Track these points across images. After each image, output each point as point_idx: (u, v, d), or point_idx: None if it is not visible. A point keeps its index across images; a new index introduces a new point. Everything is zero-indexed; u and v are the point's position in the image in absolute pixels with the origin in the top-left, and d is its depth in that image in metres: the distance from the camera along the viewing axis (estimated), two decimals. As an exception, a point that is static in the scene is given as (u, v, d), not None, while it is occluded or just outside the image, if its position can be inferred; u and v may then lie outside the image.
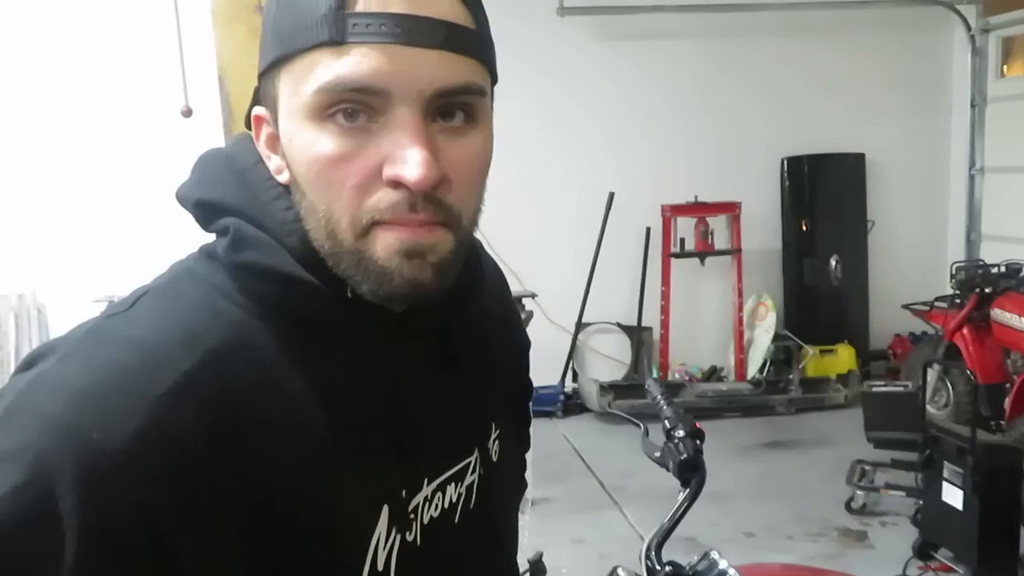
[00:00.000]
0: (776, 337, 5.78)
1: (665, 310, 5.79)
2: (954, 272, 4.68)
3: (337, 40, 0.60)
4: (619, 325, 5.90)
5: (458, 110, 0.64)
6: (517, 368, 0.96)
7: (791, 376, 5.59)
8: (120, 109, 5.11)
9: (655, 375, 5.75)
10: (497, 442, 0.82)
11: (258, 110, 0.69)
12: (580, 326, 5.77)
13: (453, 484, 0.75)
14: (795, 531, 3.85)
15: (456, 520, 0.75)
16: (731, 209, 5.80)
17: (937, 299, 4.86)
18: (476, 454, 0.78)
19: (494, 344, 0.85)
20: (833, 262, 5.92)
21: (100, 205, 5.19)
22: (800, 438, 5.11)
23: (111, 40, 5.09)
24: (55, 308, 5.35)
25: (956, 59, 6.22)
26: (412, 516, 0.70)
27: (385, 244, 0.62)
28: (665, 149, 5.93)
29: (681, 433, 1.50)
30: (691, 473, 1.49)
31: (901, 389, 3.97)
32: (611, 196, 5.75)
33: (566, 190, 5.83)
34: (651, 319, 5.87)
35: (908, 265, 6.20)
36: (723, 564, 1.42)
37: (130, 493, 0.54)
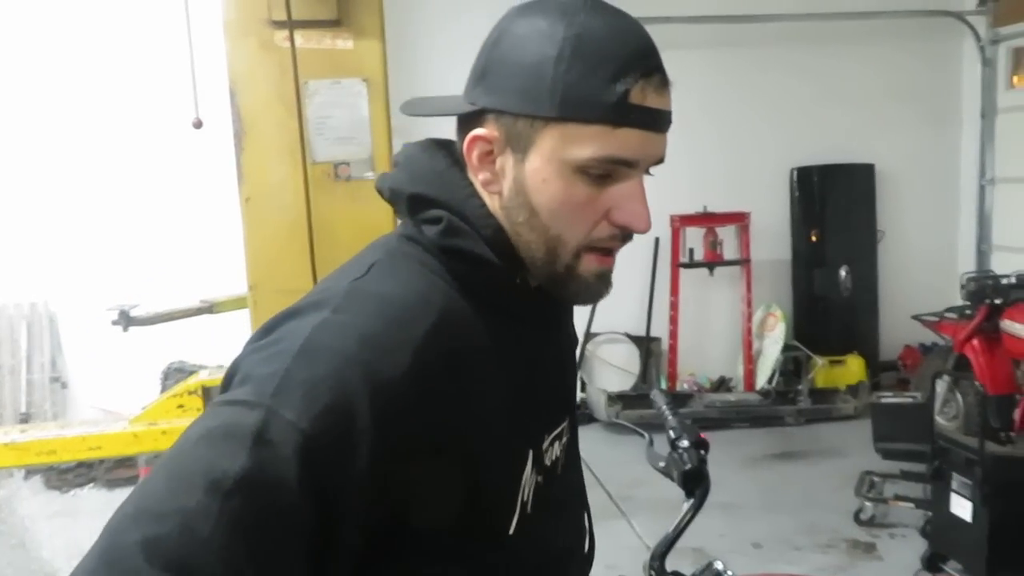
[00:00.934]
0: (785, 347, 5.77)
1: (674, 320, 5.79)
2: (964, 283, 4.66)
3: (617, 124, 0.78)
4: (627, 335, 5.90)
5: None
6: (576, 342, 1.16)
7: (800, 387, 5.58)
8: (131, 120, 5.17)
9: (664, 385, 5.75)
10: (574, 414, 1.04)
11: (480, 132, 0.83)
12: (589, 336, 5.78)
13: (557, 442, 0.94)
14: (803, 542, 3.84)
15: (559, 472, 0.94)
16: (740, 219, 5.80)
17: (947, 310, 4.84)
18: (567, 420, 0.98)
19: (572, 337, 1.08)
20: (843, 272, 5.88)
21: (111, 215, 5.25)
22: (809, 449, 5.10)
23: (123, 52, 5.16)
24: (66, 317, 5.40)
25: (966, 70, 6.22)
26: (542, 461, 0.90)
27: (588, 266, 0.84)
28: (673, 159, 5.74)
29: (685, 443, 1.51)
30: (695, 483, 1.49)
31: (910, 400, 3.95)
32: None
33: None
34: (660, 329, 5.88)
35: (918, 275, 6.18)
36: (728, 574, 1.43)
37: (402, 416, 0.70)
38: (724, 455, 5.04)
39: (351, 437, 0.68)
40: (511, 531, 0.83)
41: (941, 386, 4.73)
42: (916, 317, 5.09)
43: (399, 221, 0.91)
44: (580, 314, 5.80)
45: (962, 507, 3.25)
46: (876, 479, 4.08)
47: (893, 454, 3.89)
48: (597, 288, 0.86)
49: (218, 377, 3.68)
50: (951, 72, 6.28)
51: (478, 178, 0.85)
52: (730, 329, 6.03)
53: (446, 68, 5.77)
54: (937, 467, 3.39)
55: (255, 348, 0.75)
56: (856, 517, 3.97)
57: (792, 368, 5.82)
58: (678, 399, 5.58)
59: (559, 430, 0.95)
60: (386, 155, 2.43)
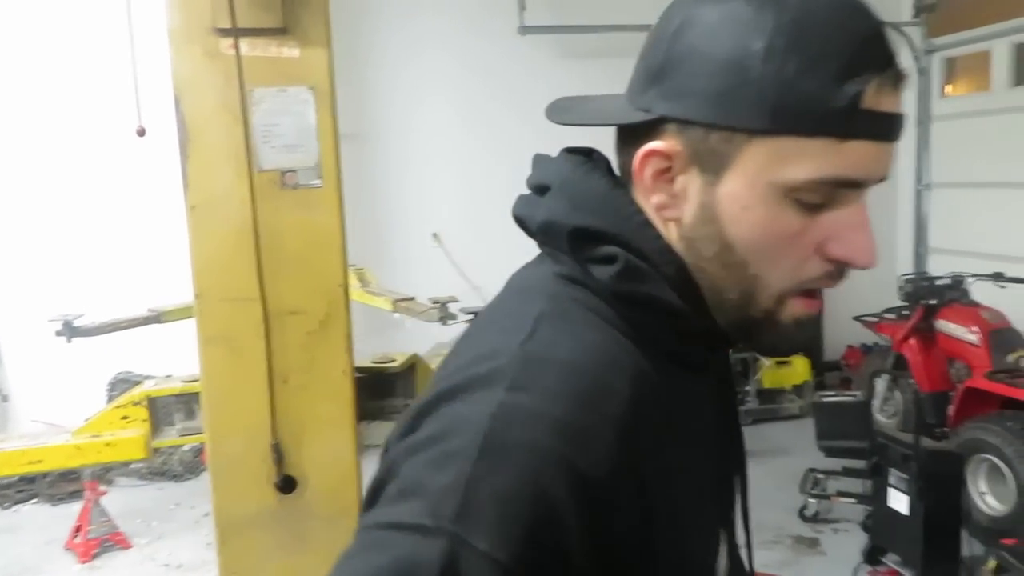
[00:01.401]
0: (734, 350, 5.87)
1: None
2: (902, 285, 4.83)
3: (845, 136, 0.60)
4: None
5: None
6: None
7: (748, 388, 5.70)
8: (74, 128, 5.08)
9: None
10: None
11: (657, 146, 0.66)
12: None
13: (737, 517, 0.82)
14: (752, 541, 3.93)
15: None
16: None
17: (886, 311, 5.01)
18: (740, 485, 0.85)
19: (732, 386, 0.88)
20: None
21: (54, 224, 5.14)
22: (756, 448, 5.20)
23: (65, 61, 5.06)
24: (7, 328, 5.26)
25: (902, 78, 6.43)
26: (732, 537, 0.77)
27: (792, 312, 0.67)
28: None
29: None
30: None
31: (850, 399, 4.08)
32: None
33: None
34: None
35: (860, 278, 6.10)
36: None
37: (613, 521, 0.58)
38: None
39: (557, 563, 0.55)
40: None
41: (880, 384, 4.89)
42: (857, 318, 5.25)
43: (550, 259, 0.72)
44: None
45: (899, 501, 3.37)
46: (820, 476, 4.20)
47: (835, 451, 4.01)
48: (798, 338, 0.69)
49: (166, 387, 3.65)
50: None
51: (651, 201, 0.69)
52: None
53: (393, 75, 5.83)
54: (875, 463, 3.51)
55: (415, 445, 0.59)
56: (801, 513, 4.09)
57: (740, 370, 5.94)
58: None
59: (737, 503, 0.82)
60: (333, 163, 2.44)
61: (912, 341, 4.63)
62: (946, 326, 4.46)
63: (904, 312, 4.80)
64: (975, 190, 5.82)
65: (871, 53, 0.61)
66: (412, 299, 3.96)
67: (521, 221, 0.75)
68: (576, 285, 0.69)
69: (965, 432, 3.87)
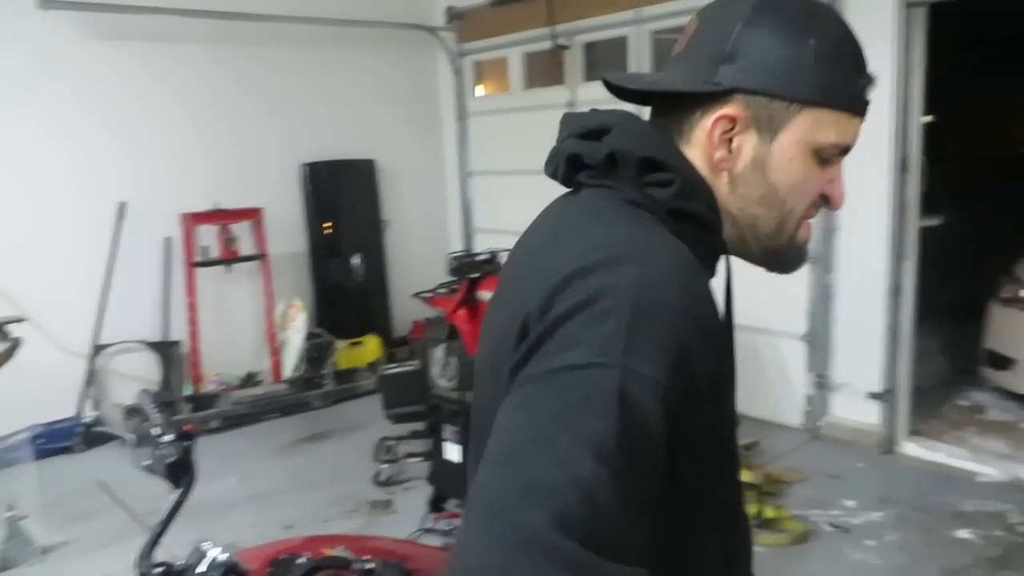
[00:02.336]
0: (309, 336, 6.03)
1: (193, 321, 5.64)
2: (449, 262, 5.42)
3: (855, 114, 0.89)
4: (143, 342, 5.57)
5: None
6: None
7: (325, 371, 5.90)
8: None
9: (188, 389, 5.57)
10: None
11: (728, 111, 0.87)
12: (98, 348, 5.32)
13: None
14: (331, 513, 4.12)
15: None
16: (253, 215, 5.87)
17: (439, 286, 5.57)
18: None
19: None
20: (356, 260, 6.37)
21: None
22: (336, 428, 5.44)
23: None
24: None
25: (442, 78, 7.16)
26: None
27: (804, 234, 0.95)
28: (183, 156, 5.75)
29: (168, 437, 1.56)
30: (181, 474, 1.56)
31: (410, 368, 4.50)
32: (122, 206, 5.41)
33: (72, 200, 5.33)
34: (179, 332, 5.67)
35: (420, 258, 6.95)
36: (214, 552, 1.52)
37: (718, 352, 0.80)
38: (255, 447, 5.12)
39: (695, 380, 0.74)
40: (738, 475, 0.95)
41: (439, 352, 5.46)
42: (416, 295, 5.75)
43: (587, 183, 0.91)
44: (83, 325, 5.26)
45: (453, 451, 3.84)
46: (391, 443, 4.56)
47: (401, 418, 4.38)
48: (806, 253, 0.97)
49: None
50: (431, 79, 7.17)
51: (714, 156, 0.89)
52: (254, 324, 6.10)
53: None
54: (432, 422, 3.93)
55: (563, 314, 0.74)
56: (375, 480, 4.40)
57: (317, 355, 6.11)
58: (204, 400, 5.48)
59: None
60: None
61: (461, 312, 5.24)
62: (485, 295, 5.13)
63: (454, 287, 5.40)
64: (504, 176, 6.75)
65: (865, 61, 0.90)
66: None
67: (577, 158, 0.91)
68: (635, 207, 0.86)
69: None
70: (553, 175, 0.95)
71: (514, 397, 0.72)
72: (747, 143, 0.88)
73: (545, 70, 6.17)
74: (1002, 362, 5.09)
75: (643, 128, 0.92)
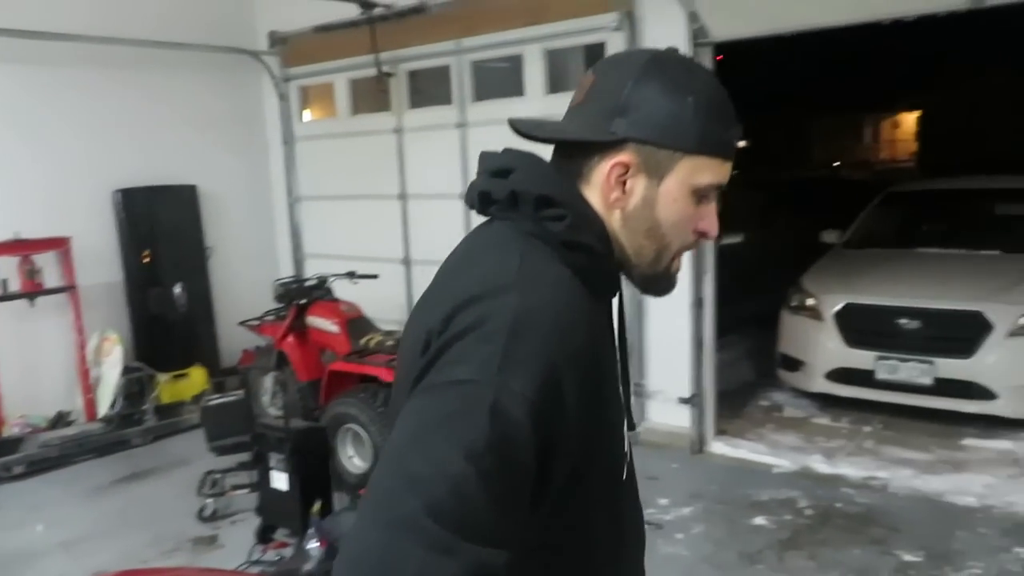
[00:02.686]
0: (126, 370, 5.72)
1: (-8, 360, 5.22)
2: (276, 288, 5.34)
3: (726, 159, 1.03)
4: (-68, 385, 5.09)
5: None
6: None
7: (145, 406, 5.62)
8: None
9: (-13, 434, 5.14)
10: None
11: (623, 158, 1.01)
12: None
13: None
14: (149, 554, 3.94)
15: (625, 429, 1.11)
16: (60, 245, 5.53)
17: (265, 313, 5.46)
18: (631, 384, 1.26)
19: None
20: (177, 289, 6.10)
21: None
22: (157, 465, 5.19)
23: None
24: None
25: (267, 102, 7.06)
26: (630, 417, 1.10)
27: (676, 265, 1.09)
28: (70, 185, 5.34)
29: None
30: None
31: (233, 398, 4.39)
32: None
33: None
34: (-25, 373, 5.22)
35: (248, 285, 6.76)
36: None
37: (587, 374, 0.91)
38: (66, 492, 4.80)
39: (562, 397, 0.87)
40: (624, 476, 1.07)
41: (268, 381, 5.35)
42: (242, 323, 5.61)
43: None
44: None
45: (280, 480, 3.79)
46: (217, 476, 4.42)
47: (226, 449, 4.26)
48: (675, 282, 1.11)
49: None
50: (255, 103, 7.05)
51: (611, 196, 1.02)
52: (63, 360, 5.71)
53: None
54: (257, 451, 3.87)
55: (456, 334, 0.88)
56: (200, 515, 4.25)
57: (136, 389, 5.80)
58: (6, 445, 5.07)
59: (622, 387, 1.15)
60: None
61: (290, 338, 5.17)
62: (315, 321, 5.10)
63: (282, 313, 5.31)
64: (334, 201, 6.73)
65: (734, 113, 1.04)
66: None
67: (486, 195, 1.04)
68: (536, 238, 0.99)
69: (332, 408, 4.51)
70: (471, 206, 1.08)
71: (410, 404, 0.87)
72: (638, 185, 1.01)
73: (372, 96, 6.24)
74: (793, 364, 5.66)
75: (542, 169, 1.04)
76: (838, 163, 20.75)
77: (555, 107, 5.21)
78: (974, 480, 4.42)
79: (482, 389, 0.83)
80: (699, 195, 1.03)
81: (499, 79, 5.68)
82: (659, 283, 1.10)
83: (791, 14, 4.15)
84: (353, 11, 5.72)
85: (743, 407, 5.77)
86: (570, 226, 0.99)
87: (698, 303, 4.92)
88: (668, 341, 5.06)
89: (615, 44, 4.81)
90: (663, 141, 1.00)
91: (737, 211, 5.98)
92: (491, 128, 5.57)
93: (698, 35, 4.54)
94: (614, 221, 1.04)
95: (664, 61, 1.03)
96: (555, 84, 5.32)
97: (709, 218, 1.07)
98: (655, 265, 1.07)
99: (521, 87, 5.44)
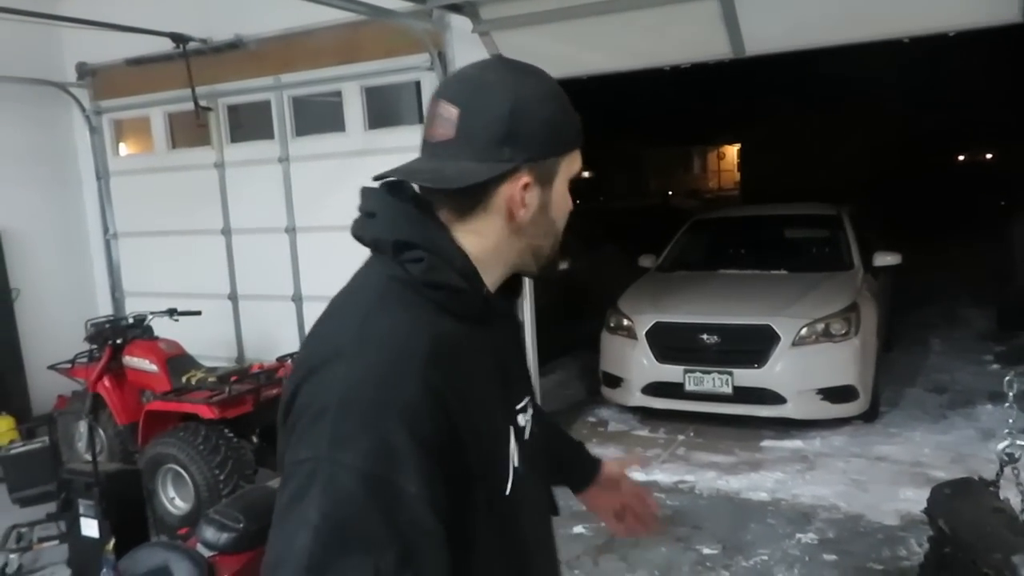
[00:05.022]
0: None
1: None
2: (87, 328, 5.11)
3: (580, 146, 1.14)
4: None
5: None
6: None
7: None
8: None
9: None
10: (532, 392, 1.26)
11: (526, 179, 1.06)
12: None
13: (523, 413, 1.17)
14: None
15: (527, 437, 1.16)
16: None
17: (78, 355, 5.20)
18: (528, 397, 1.21)
19: (518, 323, 1.33)
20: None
21: None
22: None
23: None
24: None
25: (78, 136, 6.75)
26: (521, 433, 1.14)
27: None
28: None
29: None
30: None
31: (37, 445, 4.16)
32: None
33: None
34: None
35: (61, 327, 6.35)
36: None
37: (426, 426, 0.94)
38: None
39: (397, 456, 0.90)
40: (508, 490, 1.08)
41: (82, 426, 5.08)
42: (51, 367, 5.30)
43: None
44: None
45: (90, 526, 3.63)
46: (24, 530, 4.15)
47: (30, 500, 4.03)
48: (560, 262, 1.20)
49: None
50: (65, 137, 6.73)
51: (518, 214, 1.07)
52: None
53: None
54: (65, 498, 3.69)
55: (297, 413, 0.96)
56: (2, 573, 3.97)
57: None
58: None
59: (525, 402, 1.19)
60: None
61: (105, 380, 4.95)
62: (132, 360, 4.92)
63: (96, 354, 5.08)
64: (154, 237, 6.52)
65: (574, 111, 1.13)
66: None
67: (358, 239, 1.08)
68: (397, 281, 1.02)
69: (151, 449, 4.36)
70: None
71: (280, 484, 0.96)
72: (533, 197, 1.07)
73: (190, 130, 6.13)
74: (614, 381, 6.03)
75: (398, 213, 1.07)
76: (671, 192, 22.16)
77: (376, 142, 5.35)
78: (767, 477, 4.90)
79: (318, 465, 0.89)
80: (571, 183, 1.14)
81: (321, 114, 5.77)
82: (552, 267, 1.17)
83: (576, 62, 4.53)
84: (167, 44, 5.63)
85: (571, 424, 6.06)
86: (428, 268, 1.02)
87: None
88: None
89: (429, 82, 5.03)
90: (549, 152, 1.08)
91: (573, 239, 6.35)
92: (313, 163, 5.64)
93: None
94: (511, 237, 1.09)
95: (523, 74, 1.09)
96: (376, 120, 5.47)
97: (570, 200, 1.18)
98: (551, 256, 1.15)
99: (342, 123, 5.54)
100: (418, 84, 5.14)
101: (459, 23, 4.85)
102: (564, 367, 7.51)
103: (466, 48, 4.89)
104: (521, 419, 1.17)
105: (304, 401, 0.96)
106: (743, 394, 5.45)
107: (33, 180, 6.43)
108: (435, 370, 0.97)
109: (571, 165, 1.12)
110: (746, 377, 5.42)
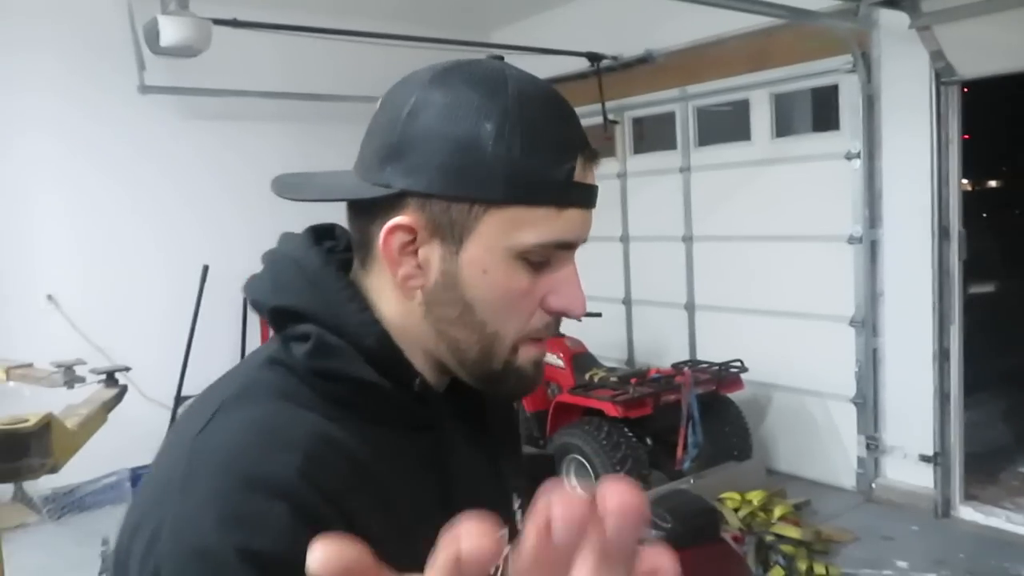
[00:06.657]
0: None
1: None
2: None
3: (563, 205, 0.70)
4: (220, 396, 5.91)
5: None
6: (518, 439, 1.02)
7: None
8: None
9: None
10: (520, 511, 0.87)
11: (401, 220, 0.70)
12: (179, 400, 5.69)
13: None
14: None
15: None
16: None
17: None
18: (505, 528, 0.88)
19: (498, 422, 0.89)
20: None
21: None
22: None
23: None
24: None
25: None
26: None
27: (527, 356, 0.75)
28: (256, 223, 6.17)
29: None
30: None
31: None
32: (205, 269, 5.84)
33: (158, 264, 5.83)
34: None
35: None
36: None
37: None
38: None
39: None
40: None
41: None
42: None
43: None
44: (168, 378, 5.61)
45: (509, 502, 4.01)
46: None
47: None
48: (534, 377, 0.77)
49: None
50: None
51: (398, 273, 0.72)
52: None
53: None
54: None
55: (134, 537, 0.65)
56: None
57: None
58: None
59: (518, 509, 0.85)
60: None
61: (518, 371, 5.43)
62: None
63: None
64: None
65: (577, 135, 0.73)
66: (29, 365, 3.72)
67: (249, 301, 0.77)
68: (276, 366, 0.71)
69: (558, 438, 4.70)
70: None
71: None
72: (433, 255, 0.71)
73: (597, 143, 6.44)
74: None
75: (284, 267, 0.75)
76: None
77: (783, 150, 5.16)
78: None
79: None
80: (531, 261, 0.72)
81: (720, 124, 5.73)
82: (503, 384, 0.77)
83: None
84: (582, 63, 6.02)
85: (997, 472, 5.23)
86: (312, 350, 0.69)
87: (943, 355, 4.59)
88: (906, 394, 4.76)
89: (849, 86, 4.69)
90: (452, 191, 0.69)
91: (987, 257, 5.53)
92: (714, 172, 5.63)
93: (942, 74, 4.32)
94: (415, 309, 0.73)
95: (454, 71, 0.71)
96: (782, 128, 5.27)
97: (564, 289, 0.74)
98: (486, 363, 0.74)
99: (747, 131, 5.43)
100: (836, 88, 4.83)
101: (888, 19, 4.45)
102: (981, 404, 6.52)
103: (895, 45, 4.47)
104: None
105: (139, 552, 0.64)
106: None
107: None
108: (312, 492, 0.63)
109: (514, 229, 0.70)
110: None
